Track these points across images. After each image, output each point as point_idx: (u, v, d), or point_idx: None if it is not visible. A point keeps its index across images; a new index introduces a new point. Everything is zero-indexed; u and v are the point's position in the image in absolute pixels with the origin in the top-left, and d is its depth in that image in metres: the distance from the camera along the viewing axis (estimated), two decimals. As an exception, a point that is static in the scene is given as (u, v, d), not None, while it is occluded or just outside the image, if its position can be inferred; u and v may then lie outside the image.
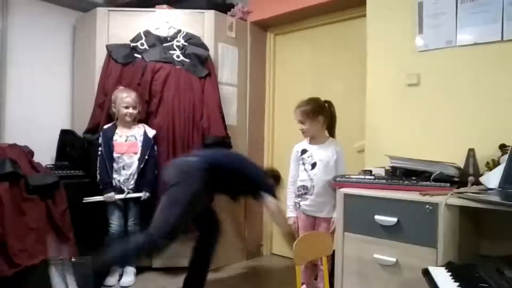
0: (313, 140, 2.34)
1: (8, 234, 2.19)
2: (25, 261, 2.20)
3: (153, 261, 2.96)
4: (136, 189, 2.73)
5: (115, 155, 2.71)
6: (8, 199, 2.23)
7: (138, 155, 2.73)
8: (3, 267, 2.14)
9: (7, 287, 2.17)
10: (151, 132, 2.81)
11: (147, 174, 2.74)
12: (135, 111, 2.76)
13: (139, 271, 2.83)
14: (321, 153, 2.29)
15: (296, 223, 2.36)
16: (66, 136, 3.03)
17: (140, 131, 2.79)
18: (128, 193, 2.71)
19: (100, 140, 2.74)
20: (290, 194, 2.38)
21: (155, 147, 2.81)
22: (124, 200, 2.74)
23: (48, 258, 2.14)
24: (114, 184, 2.70)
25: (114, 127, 2.78)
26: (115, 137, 2.73)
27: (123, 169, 2.72)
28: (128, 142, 2.74)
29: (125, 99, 2.73)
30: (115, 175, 2.70)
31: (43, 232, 2.33)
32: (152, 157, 2.77)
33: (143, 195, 2.73)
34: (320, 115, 2.29)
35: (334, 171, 2.24)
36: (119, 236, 2.76)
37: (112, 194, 2.67)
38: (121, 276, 2.76)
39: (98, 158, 2.71)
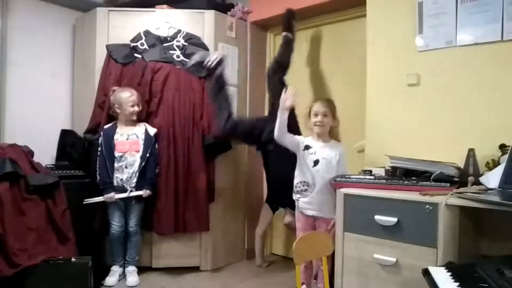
0: (319, 137, 2.33)
1: (8, 234, 2.19)
2: (25, 261, 2.20)
3: (153, 261, 2.97)
4: (138, 187, 2.73)
5: (117, 154, 2.70)
6: (8, 199, 2.23)
7: (140, 153, 2.73)
8: (3, 267, 2.14)
9: (7, 287, 2.17)
10: (152, 131, 2.81)
11: (148, 172, 2.74)
12: (139, 109, 2.78)
13: (139, 271, 2.83)
14: (325, 152, 2.28)
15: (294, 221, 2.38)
16: (66, 136, 3.03)
17: (141, 129, 2.79)
18: (131, 191, 2.71)
19: (100, 140, 2.74)
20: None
21: (156, 145, 2.81)
22: (125, 200, 2.74)
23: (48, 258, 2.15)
24: (116, 183, 2.70)
25: (115, 126, 2.78)
26: (116, 136, 2.73)
27: (126, 167, 2.71)
28: (130, 140, 2.74)
29: (130, 98, 2.73)
30: (117, 174, 2.70)
31: (43, 232, 2.34)
32: (152, 155, 2.77)
33: (143, 192, 2.73)
34: (336, 115, 2.34)
35: (336, 171, 2.24)
36: (120, 236, 2.76)
37: (112, 194, 2.67)
38: (120, 276, 2.77)
39: (98, 158, 2.71)
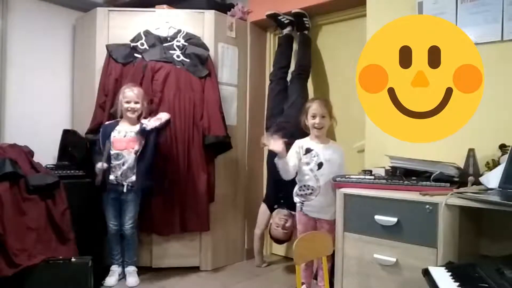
0: (317, 139, 2.32)
1: (8, 234, 2.19)
2: (25, 261, 2.20)
3: (153, 261, 2.97)
4: (135, 182, 2.67)
5: (113, 151, 2.64)
6: (8, 199, 2.23)
7: (136, 149, 2.66)
8: (3, 267, 2.14)
9: (7, 287, 2.17)
10: (145, 121, 2.71)
11: (141, 165, 2.66)
12: (137, 106, 2.69)
13: (139, 271, 2.83)
14: (327, 154, 2.27)
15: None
16: (68, 136, 3.03)
17: (138, 126, 2.71)
18: (128, 186, 2.65)
19: (98, 135, 2.70)
20: None
21: (151, 137, 2.69)
22: (121, 201, 2.72)
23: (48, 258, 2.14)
24: (112, 182, 2.65)
25: (116, 123, 2.73)
26: (114, 134, 2.68)
27: (123, 165, 2.65)
28: (127, 138, 2.68)
29: (126, 93, 2.68)
30: (115, 172, 2.64)
31: (43, 232, 2.33)
32: (147, 146, 2.67)
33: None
34: (332, 114, 2.34)
35: (338, 172, 2.23)
36: (117, 234, 2.76)
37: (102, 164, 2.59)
38: (120, 275, 2.77)
39: (94, 153, 2.69)
